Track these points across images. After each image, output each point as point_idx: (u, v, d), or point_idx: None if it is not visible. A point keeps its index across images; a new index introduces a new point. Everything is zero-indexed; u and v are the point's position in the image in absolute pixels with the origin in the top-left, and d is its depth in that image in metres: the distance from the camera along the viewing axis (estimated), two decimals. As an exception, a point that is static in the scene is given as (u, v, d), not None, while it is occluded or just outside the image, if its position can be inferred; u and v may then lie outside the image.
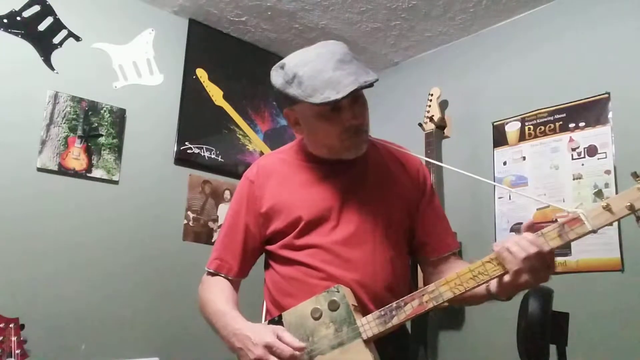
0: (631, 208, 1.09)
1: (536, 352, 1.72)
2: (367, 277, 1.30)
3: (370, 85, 1.23)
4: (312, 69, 1.25)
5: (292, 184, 1.39)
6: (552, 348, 1.74)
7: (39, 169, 2.46)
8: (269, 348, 1.18)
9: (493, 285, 1.22)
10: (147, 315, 2.65)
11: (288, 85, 1.29)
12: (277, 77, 1.33)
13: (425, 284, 1.33)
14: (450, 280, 1.19)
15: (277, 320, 1.29)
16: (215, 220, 2.97)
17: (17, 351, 1.72)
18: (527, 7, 2.82)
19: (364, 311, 1.26)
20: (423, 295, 1.20)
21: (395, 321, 1.21)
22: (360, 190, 1.38)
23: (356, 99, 1.29)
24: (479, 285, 1.18)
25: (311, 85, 1.24)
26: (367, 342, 1.22)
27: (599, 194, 1.14)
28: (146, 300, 2.67)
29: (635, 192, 1.09)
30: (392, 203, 1.39)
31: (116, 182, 2.67)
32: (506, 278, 1.17)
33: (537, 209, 2.60)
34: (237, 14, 3.00)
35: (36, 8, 2.56)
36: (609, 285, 2.32)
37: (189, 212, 2.89)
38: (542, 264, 1.13)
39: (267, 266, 1.45)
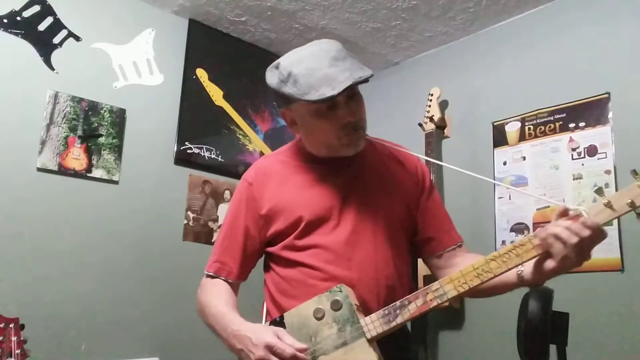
0: (632, 205, 1.09)
1: (536, 352, 1.72)
2: (369, 276, 1.30)
3: (366, 80, 1.22)
4: (307, 67, 1.25)
5: (292, 185, 1.39)
6: (552, 348, 1.74)
7: (39, 169, 2.46)
8: (270, 348, 1.17)
9: (528, 273, 1.19)
10: (147, 315, 2.65)
11: (283, 85, 1.28)
12: (272, 76, 1.32)
13: (435, 279, 1.33)
14: (455, 279, 1.19)
15: (278, 321, 1.27)
16: (215, 220, 2.97)
17: (17, 351, 1.71)
18: (527, 7, 2.82)
19: (366, 310, 1.25)
20: (427, 293, 1.20)
21: (399, 320, 1.20)
22: (360, 189, 1.37)
23: (352, 95, 1.29)
24: (483, 283, 1.17)
25: (306, 83, 1.23)
26: (370, 341, 1.21)
27: (599, 191, 1.13)
28: (146, 300, 2.66)
29: (636, 189, 1.09)
30: (392, 200, 1.39)
31: (116, 182, 2.67)
32: (550, 265, 1.14)
33: (537, 209, 2.60)
34: (237, 14, 3.00)
35: (36, 8, 2.56)
36: (609, 285, 2.31)
37: (189, 212, 2.89)
38: (589, 248, 1.11)
39: (267, 268, 1.44)
